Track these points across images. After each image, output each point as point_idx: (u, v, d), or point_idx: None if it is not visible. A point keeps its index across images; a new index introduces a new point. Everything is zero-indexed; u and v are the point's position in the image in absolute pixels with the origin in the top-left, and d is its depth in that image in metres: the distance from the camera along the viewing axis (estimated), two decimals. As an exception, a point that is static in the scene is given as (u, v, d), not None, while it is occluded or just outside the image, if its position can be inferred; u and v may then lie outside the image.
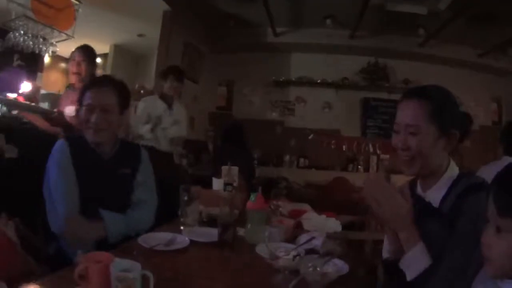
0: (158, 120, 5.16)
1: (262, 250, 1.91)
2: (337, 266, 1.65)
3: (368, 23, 6.88)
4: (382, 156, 7.83)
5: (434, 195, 1.67)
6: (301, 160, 8.09)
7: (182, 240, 2.05)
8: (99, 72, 9.71)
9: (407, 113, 1.68)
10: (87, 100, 2.29)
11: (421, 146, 1.63)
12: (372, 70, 8.03)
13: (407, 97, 1.71)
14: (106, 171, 2.26)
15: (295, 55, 8.48)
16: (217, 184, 3.23)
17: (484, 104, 8.08)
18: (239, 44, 8.34)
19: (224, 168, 3.17)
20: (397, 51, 7.67)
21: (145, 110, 5.22)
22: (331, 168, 7.85)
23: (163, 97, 5.29)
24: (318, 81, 8.20)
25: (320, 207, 3.04)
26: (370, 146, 8.01)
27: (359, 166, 7.90)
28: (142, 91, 7.45)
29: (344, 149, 8.10)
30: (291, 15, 7.34)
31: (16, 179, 1.72)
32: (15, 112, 5.71)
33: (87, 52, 4.43)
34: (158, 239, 2.02)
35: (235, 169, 3.20)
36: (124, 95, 2.41)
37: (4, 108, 6.79)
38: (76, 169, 2.20)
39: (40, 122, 4.21)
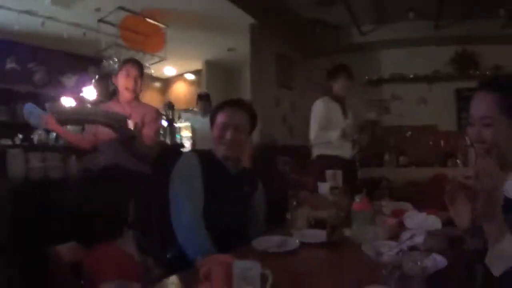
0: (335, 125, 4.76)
1: (367, 248, 2.06)
2: (436, 261, 1.77)
3: (449, 11, 6.79)
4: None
5: (510, 187, 1.65)
6: (401, 158, 8.02)
7: (293, 242, 2.21)
8: (192, 89, 10.21)
9: (481, 105, 1.72)
10: (221, 119, 2.56)
11: (496, 138, 1.66)
12: (461, 59, 7.85)
13: (480, 89, 1.76)
14: (233, 185, 2.48)
15: (384, 52, 8.44)
16: (323, 188, 3.41)
17: None
18: (329, 48, 8.40)
19: (329, 172, 3.34)
20: (482, 36, 7.42)
21: (323, 113, 4.86)
22: (430, 165, 7.71)
23: (336, 98, 4.95)
24: (411, 76, 8.13)
25: (421, 205, 3.12)
26: (467, 139, 7.75)
27: (458, 161, 7.72)
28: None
29: (442, 145, 7.98)
30: (373, 13, 7.37)
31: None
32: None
33: (141, 67, 3.95)
34: (270, 242, 2.20)
35: (339, 173, 3.37)
36: (253, 117, 2.68)
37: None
38: (204, 181, 2.42)
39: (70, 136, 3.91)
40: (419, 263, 1.59)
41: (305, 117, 8.58)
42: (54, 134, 5.67)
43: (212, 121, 2.64)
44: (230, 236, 2.32)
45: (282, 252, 2.09)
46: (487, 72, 7.59)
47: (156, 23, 6.15)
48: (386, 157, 8.14)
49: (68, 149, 4.81)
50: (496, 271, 1.43)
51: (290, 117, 7.97)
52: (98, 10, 5.64)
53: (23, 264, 1.71)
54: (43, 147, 5.00)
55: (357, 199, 2.46)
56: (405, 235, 2.20)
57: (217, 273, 1.53)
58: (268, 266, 1.53)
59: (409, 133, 8.16)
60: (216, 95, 8.97)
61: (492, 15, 6.83)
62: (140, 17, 5.94)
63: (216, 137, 2.57)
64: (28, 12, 5.56)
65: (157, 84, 10.41)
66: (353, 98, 8.44)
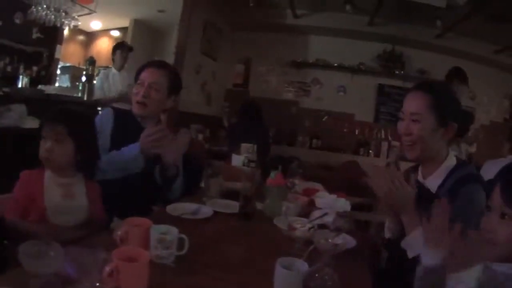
0: None
1: (279, 222, 2.12)
2: (346, 240, 1.83)
3: (387, 11, 6.88)
4: (393, 142, 7.90)
5: (433, 182, 1.90)
6: (314, 141, 8.18)
7: (207, 210, 2.24)
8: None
9: (412, 103, 1.93)
10: (140, 78, 2.58)
11: (421, 132, 1.88)
12: (388, 57, 8.05)
13: (415, 89, 1.97)
14: None
15: (314, 38, 8.49)
16: (237, 160, 3.42)
17: (497, 100, 8.12)
18: (259, 24, 8.36)
19: (245, 146, 3.36)
20: (414, 40, 7.66)
21: None
22: (343, 151, 7.94)
23: None
24: (335, 64, 8.23)
25: (331, 188, 3.21)
26: (382, 132, 8.11)
27: (370, 151, 7.99)
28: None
29: (356, 133, 8.21)
30: None
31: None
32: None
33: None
34: (184, 209, 2.21)
35: (253, 147, 3.40)
36: (176, 81, 2.69)
37: (26, 80, 7.00)
38: (112, 135, 2.49)
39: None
40: (330, 240, 1.65)
41: (223, 87, 8.66)
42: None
43: (135, 79, 2.64)
44: (139, 183, 2.38)
45: (196, 219, 2.11)
46: (411, 74, 7.90)
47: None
48: (300, 138, 8.28)
49: None
50: (411, 253, 1.68)
51: (209, 86, 7.91)
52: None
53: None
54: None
55: (273, 174, 2.49)
56: (316, 213, 2.26)
57: (134, 235, 1.52)
58: (182, 232, 1.54)
59: (326, 117, 8.32)
60: (141, 55, 8.79)
61: (428, 23, 7.00)
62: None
63: (133, 94, 2.59)
64: None
65: (81, 37, 10.01)
66: (273, 77, 8.64)
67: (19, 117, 4.59)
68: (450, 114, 1.88)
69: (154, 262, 1.37)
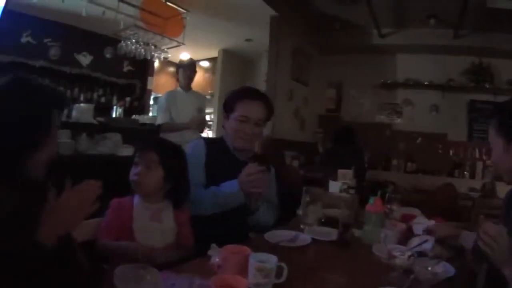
0: None
1: (378, 249, 2.10)
2: (445, 268, 1.78)
3: (470, 22, 6.74)
4: (488, 162, 7.53)
5: None
6: (409, 164, 7.99)
7: (305, 238, 2.24)
8: (207, 76, 10.22)
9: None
10: (240, 111, 2.57)
11: (493, 158, 1.90)
12: (477, 70, 7.77)
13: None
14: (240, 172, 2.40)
15: (401, 56, 8.40)
16: (334, 186, 3.42)
17: None
18: (346, 46, 8.42)
19: (342, 172, 3.36)
20: (501, 50, 7.32)
21: None
22: (437, 173, 7.71)
23: None
24: (425, 83, 8.09)
25: (427, 212, 3.13)
26: (477, 151, 7.78)
27: (465, 172, 7.69)
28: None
29: (450, 154, 7.94)
30: (394, 16, 7.31)
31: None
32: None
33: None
34: (282, 235, 2.23)
35: (350, 172, 3.39)
36: (270, 109, 2.70)
37: (120, 110, 7.37)
38: (207, 169, 2.49)
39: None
40: (430, 268, 1.63)
41: (315, 112, 8.68)
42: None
43: (229, 109, 2.64)
44: (237, 220, 2.40)
45: (295, 247, 2.12)
46: (502, 86, 7.56)
47: (176, 7, 6.15)
48: (394, 161, 8.12)
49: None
50: None
51: (302, 112, 7.99)
52: (118, -11, 5.64)
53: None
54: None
55: (371, 200, 2.47)
56: (415, 240, 2.22)
57: (232, 263, 1.56)
58: (281, 259, 1.56)
59: (419, 139, 8.12)
60: (231, 83, 9.08)
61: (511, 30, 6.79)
62: (161, 0, 5.95)
63: (234, 129, 2.58)
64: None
65: (171, 69, 10.41)
66: (365, 100, 8.57)
67: (114, 145, 4.83)
68: None
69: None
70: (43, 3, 6.09)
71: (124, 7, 5.73)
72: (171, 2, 6.08)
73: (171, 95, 5.46)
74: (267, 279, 1.49)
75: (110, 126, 5.67)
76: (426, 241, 2.16)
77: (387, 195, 2.92)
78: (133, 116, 6.70)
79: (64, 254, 1.38)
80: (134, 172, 2.02)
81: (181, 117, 5.23)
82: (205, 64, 10.43)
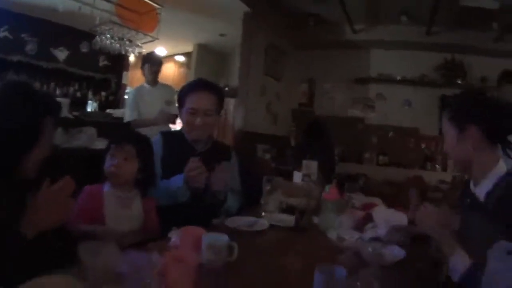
0: None
1: (332, 235, 2.19)
2: (393, 252, 1.88)
3: (442, 19, 6.81)
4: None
5: (482, 190, 1.84)
6: (381, 157, 8.09)
7: (263, 223, 2.36)
8: (182, 70, 10.25)
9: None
10: (190, 104, 2.70)
11: (446, 147, 2.01)
12: (449, 66, 7.90)
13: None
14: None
15: (374, 52, 8.49)
16: (297, 177, 3.53)
17: None
18: (320, 42, 8.48)
19: (304, 162, 3.47)
20: (473, 46, 7.46)
21: None
22: (410, 167, 7.80)
23: None
24: (398, 78, 8.19)
25: (393, 203, 3.22)
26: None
27: (437, 165, 7.81)
28: (226, 88, 7.81)
29: (422, 147, 8.03)
30: (367, 12, 7.41)
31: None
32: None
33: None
34: (242, 221, 2.36)
35: (314, 164, 3.49)
36: (222, 99, 2.83)
37: (95, 104, 7.42)
38: (164, 162, 2.61)
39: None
40: (372, 249, 1.73)
41: (289, 107, 8.78)
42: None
43: (180, 103, 2.78)
44: (201, 210, 2.47)
45: (253, 231, 2.24)
46: (474, 82, 7.67)
47: (151, 2, 6.18)
48: (367, 155, 8.21)
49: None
50: (454, 277, 1.63)
51: (274, 106, 8.09)
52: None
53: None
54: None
55: (327, 188, 2.58)
56: (370, 226, 2.33)
57: (187, 242, 1.68)
58: (237, 242, 1.68)
59: (391, 133, 8.24)
60: (207, 77, 9.09)
61: (485, 27, 6.85)
62: (136, -5, 6.00)
63: (185, 122, 2.73)
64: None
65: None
66: (338, 94, 8.67)
67: (89, 138, 4.89)
68: (467, 118, 1.87)
69: (206, 266, 1.53)
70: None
71: (99, 3, 5.76)
72: (146, -2, 6.12)
73: (138, 91, 5.57)
74: (218, 256, 1.59)
75: (84, 120, 5.75)
76: (379, 226, 2.27)
77: (346, 185, 3.03)
78: (107, 110, 6.78)
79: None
80: (110, 164, 2.11)
81: (149, 111, 5.30)
82: (181, 58, 10.47)
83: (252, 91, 7.13)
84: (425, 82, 8.10)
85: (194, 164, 2.41)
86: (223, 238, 1.65)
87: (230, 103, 7.65)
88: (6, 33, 7.08)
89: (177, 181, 2.45)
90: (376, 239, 2.09)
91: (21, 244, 1.43)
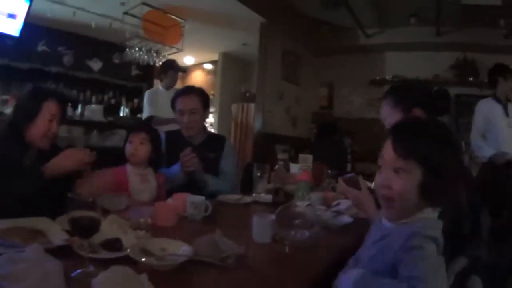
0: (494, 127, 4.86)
1: (301, 204, 2.59)
2: (341, 218, 2.43)
3: (449, 19, 7.06)
4: (473, 155, 7.52)
5: None
6: (396, 156, 8.26)
7: (247, 199, 3.04)
8: (209, 77, 10.77)
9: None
10: (178, 106, 3.39)
11: (382, 115, 2.78)
12: (461, 65, 8.07)
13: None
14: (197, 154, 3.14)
15: (388, 55, 8.82)
16: (294, 168, 4.05)
17: None
18: (335, 47, 8.91)
19: (301, 156, 3.98)
20: (483, 44, 7.61)
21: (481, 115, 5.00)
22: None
23: (498, 98, 4.95)
24: (411, 79, 8.32)
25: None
26: (463, 143, 7.94)
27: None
28: (247, 94, 8.30)
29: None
30: (377, 17, 7.76)
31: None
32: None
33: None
34: (230, 197, 3.05)
35: (309, 157, 4.00)
36: (206, 98, 3.51)
37: (127, 110, 8.18)
38: (167, 154, 3.30)
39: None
40: (318, 213, 2.25)
41: (308, 109, 9.25)
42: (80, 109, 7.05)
43: (173, 107, 3.46)
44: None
45: (237, 204, 2.93)
46: (486, 80, 7.63)
47: (175, 17, 6.76)
48: (383, 154, 8.39)
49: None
50: None
51: (294, 110, 8.55)
52: (122, 4, 6.28)
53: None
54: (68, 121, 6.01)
55: (299, 171, 3.19)
56: (335, 203, 2.84)
57: (177, 198, 2.43)
58: (219, 210, 2.44)
59: (407, 133, 8.40)
60: (232, 84, 9.97)
61: (493, 25, 7.04)
62: (161, 12, 6.59)
63: (178, 122, 3.44)
64: (60, 2, 6.30)
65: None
66: (355, 97, 9.04)
67: (121, 139, 5.53)
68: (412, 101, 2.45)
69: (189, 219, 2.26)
70: (56, 16, 6.77)
71: (128, 18, 6.40)
72: (170, 14, 6.72)
73: (153, 93, 5.92)
74: (197, 210, 2.29)
75: (116, 123, 6.46)
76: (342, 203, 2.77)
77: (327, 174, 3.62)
78: (138, 115, 7.51)
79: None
80: (130, 147, 2.79)
81: (164, 112, 5.33)
82: (208, 66, 11.09)
83: (270, 96, 7.63)
84: (439, 82, 8.16)
85: (186, 153, 3.05)
86: (202, 199, 2.33)
87: (251, 108, 8.17)
88: (44, 47, 7.74)
89: (175, 169, 3.11)
90: (337, 212, 2.60)
91: (37, 181, 2.19)
